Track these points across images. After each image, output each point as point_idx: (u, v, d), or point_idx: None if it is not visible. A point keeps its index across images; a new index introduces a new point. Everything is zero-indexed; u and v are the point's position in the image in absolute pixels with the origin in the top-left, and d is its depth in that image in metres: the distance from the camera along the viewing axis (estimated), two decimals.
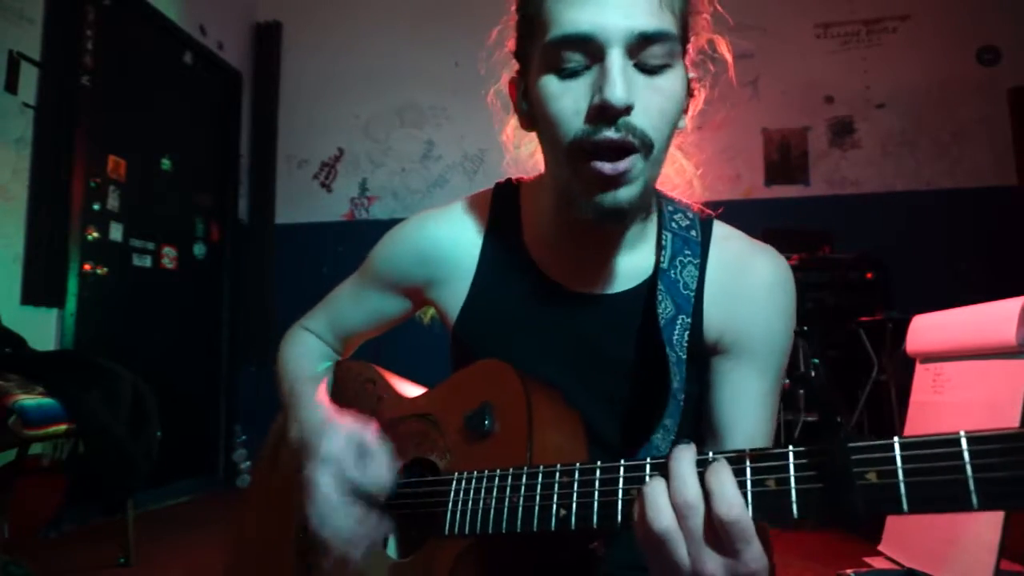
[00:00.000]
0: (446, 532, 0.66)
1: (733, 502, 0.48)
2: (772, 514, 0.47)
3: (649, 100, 0.65)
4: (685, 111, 0.73)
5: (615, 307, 0.79)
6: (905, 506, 0.42)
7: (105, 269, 3.32)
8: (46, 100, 2.90)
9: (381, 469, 0.71)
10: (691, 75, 0.73)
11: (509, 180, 0.89)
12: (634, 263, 0.79)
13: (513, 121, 0.82)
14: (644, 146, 0.66)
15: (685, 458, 0.51)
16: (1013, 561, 1.93)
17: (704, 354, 0.78)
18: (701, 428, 0.80)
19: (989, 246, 3.60)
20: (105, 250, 3.32)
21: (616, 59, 0.63)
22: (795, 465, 0.47)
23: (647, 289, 0.78)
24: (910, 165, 3.89)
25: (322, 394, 0.84)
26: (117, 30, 3.41)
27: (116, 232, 3.40)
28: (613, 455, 0.66)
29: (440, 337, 0.88)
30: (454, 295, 0.84)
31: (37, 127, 2.88)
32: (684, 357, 0.74)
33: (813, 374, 0.47)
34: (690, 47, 0.73)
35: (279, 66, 4.56)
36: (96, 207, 3.27)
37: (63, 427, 2.03)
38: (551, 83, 0.67)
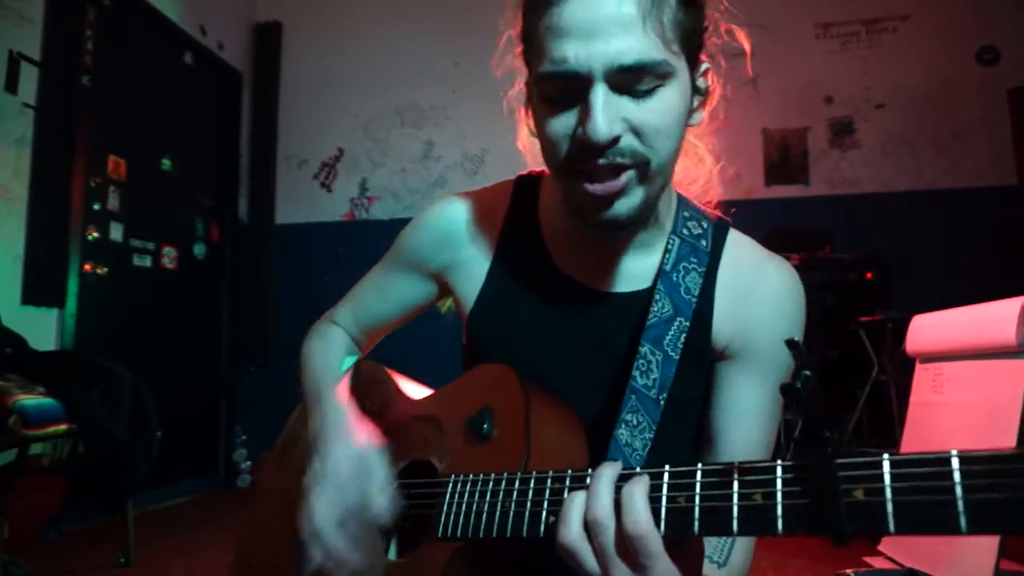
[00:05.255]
0: (439, 534, 0.66)
1: (639, 519, 0.50)
2: (757, 528, 0.46)
3: (641, 122, 0.65)
4: (701, 107, 0.74)
5: (621, 306, 0.80)
6: (892, 527, 0.40)
7: (105, 269, 3.32)
8: (46, 100, 2.90)
9: (383, 495, 0.70)
10: (706, 66, 0.73)
11: (532, 171, 0.90)
12: (645, 264, 0.80)
13: (525, 128, 0.83)
14: (637, 164, 0.66)
15: (605, 476, 0.53)
16: (1013, 561, 1.93)
17: (711, 359, 0.79)
18: (700, 431, 0.80)
19: (989, 246, 3.60)
20: (105, 250, 3.32)
21: (599, 94, 0.63)
22: (783, 480, 0.46)
23: (651, 290, 0.79)
24: (910, 165, 3.88)
25: (343, 393, 0.84)
26: (117, 30, 3.41)
27: (116, 232, 3.40)
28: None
29: (454, 332, 0.88)
30: (471, 282, 0.86)
31: (37, 127, 2.88)
32: (676, 358, 0.74)
33: (804, 386, 0.45)
34: (706, 41, 0.72)
35: (279, 66, 4.56)
36: (96, 207, 3.27)
37: (63, 427, 2.03)
38: (543, 110, 0.68)
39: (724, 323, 0.78)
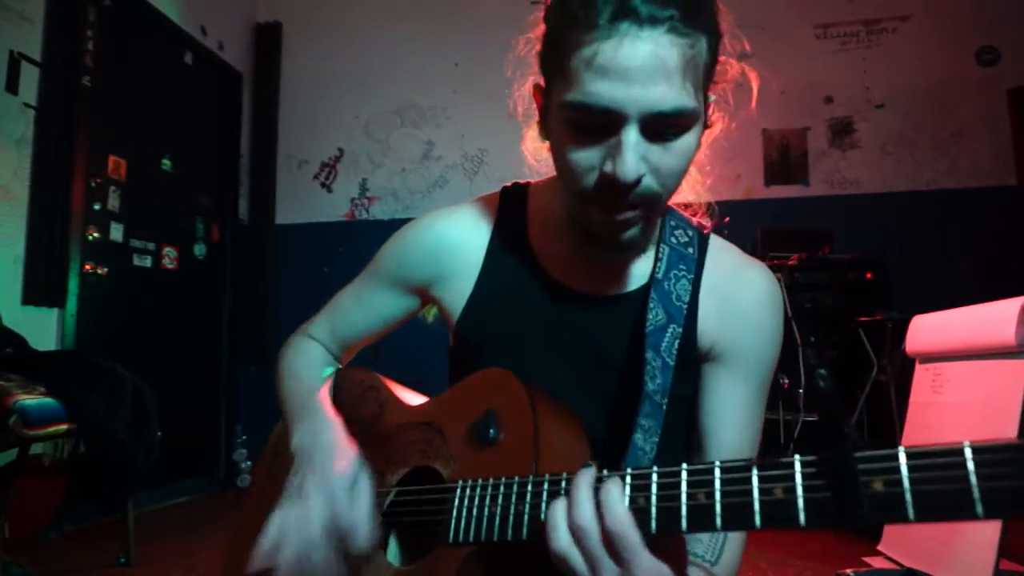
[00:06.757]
0: (450, 540, 0.66)
1: (619, 516, 0.53)
2: (779, 522, 0.47)
3: (661, 162, 0.67)
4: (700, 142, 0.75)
5: (611, 308, 0.81)
6: (911, 515, 0.42)
7: (105, 269, 3.32)
8: (46, 100, 2.90)
9: (365, 525, 0.70)
10: (713, 99, 0.74)
11: (517, 182, 0.91)
12: (634, 268, 0.82)
13: (532, 132, 0.82)
14: (650, 202, 0.69)
15: (582, 482, 0.56)
16: (1013, 561, 1.93)
17: (697, 361, 0.81)
18: (688, 432, 0.83)
19: (989, 246, 3.60)
20: (105, 250, 3.32)
21: (631, 135, 0.64)
22: (802, 474, 0.47)
23: (642, 295, 0.81)
24: (909, 165, 3.89)
25: (328, 408, 0.83)
26: (117, 30, 3.41)
27: (116, 232, 3.40)
28: (600, 450, 0.68)
29: (440, 339, 0.88)
30: (458, 292, 0.86)
31: (37, 127, 2.88)
32: (672, 364, 0.76)
33: (821, 384, 0.47)
34: (716, 78, 0.73)
35: (279, 66, 4.56)
36: (96, 207, 3.27)
37: (64, 427, 2.03)
38: (566, 135, 0.68)
39: (708, 326, 0.80)
